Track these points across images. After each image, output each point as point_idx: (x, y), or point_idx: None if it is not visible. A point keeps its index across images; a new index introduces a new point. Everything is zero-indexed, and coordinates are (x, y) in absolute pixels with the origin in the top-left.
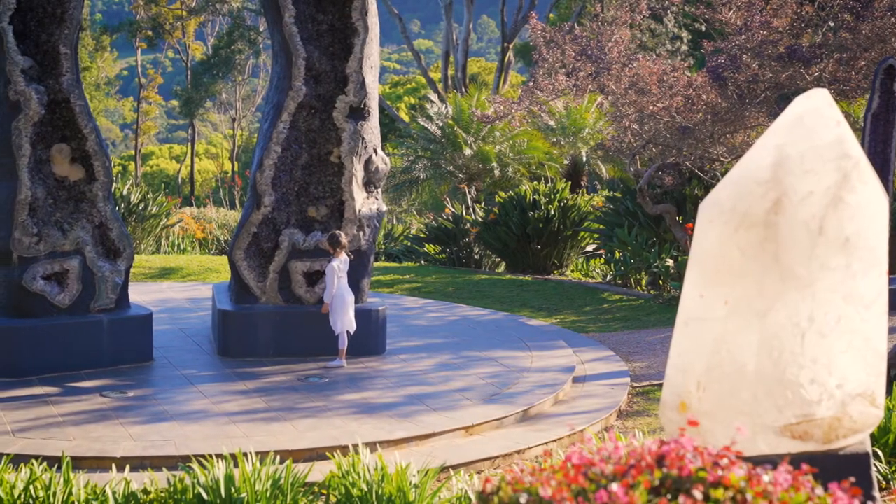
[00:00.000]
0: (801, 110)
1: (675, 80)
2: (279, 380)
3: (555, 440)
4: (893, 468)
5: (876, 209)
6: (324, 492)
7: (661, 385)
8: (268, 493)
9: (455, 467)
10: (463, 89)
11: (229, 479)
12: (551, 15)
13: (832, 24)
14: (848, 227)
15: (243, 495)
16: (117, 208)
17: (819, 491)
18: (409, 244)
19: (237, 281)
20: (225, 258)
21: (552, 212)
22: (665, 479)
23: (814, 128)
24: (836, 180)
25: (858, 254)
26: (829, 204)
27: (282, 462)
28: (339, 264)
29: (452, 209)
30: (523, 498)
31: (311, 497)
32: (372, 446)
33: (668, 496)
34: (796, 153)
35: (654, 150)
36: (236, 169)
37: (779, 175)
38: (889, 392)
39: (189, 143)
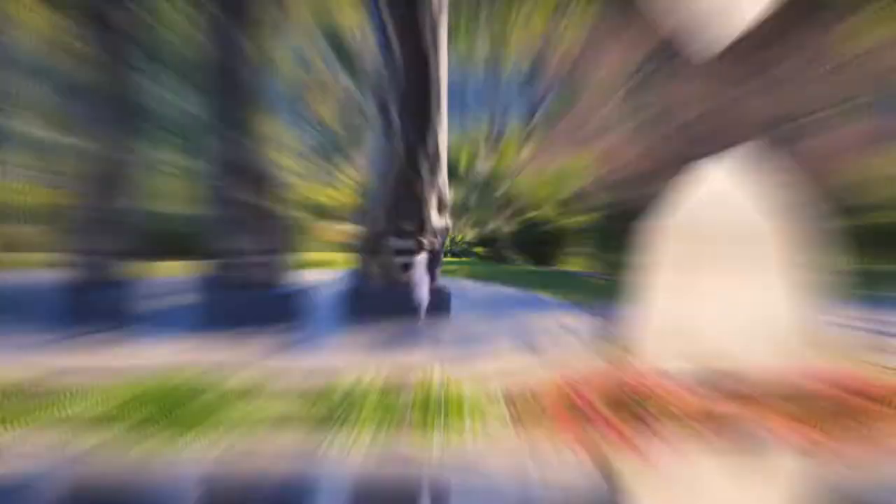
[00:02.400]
0: None
1: None
2: (387, 331)
3: None
4: None
5: None
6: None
7: None
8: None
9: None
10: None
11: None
12: None
13: None
14: None
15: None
16: None
17: None
18: (465, 246)
19: (360, 269)
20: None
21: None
22: None
23: None
24: None
25: None
26: None
27: None
28: (422, 258)
29: (492, 224)
30: None
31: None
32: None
33: None
34: None
35: None
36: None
37: None
38: None
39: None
